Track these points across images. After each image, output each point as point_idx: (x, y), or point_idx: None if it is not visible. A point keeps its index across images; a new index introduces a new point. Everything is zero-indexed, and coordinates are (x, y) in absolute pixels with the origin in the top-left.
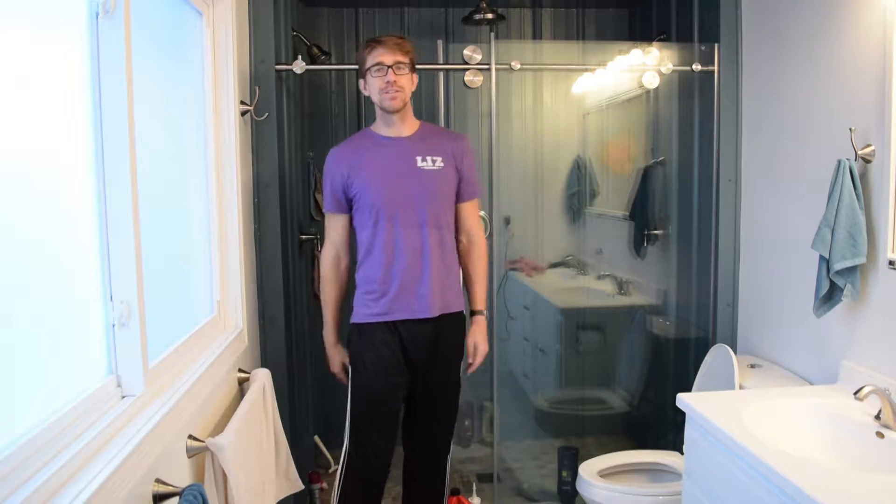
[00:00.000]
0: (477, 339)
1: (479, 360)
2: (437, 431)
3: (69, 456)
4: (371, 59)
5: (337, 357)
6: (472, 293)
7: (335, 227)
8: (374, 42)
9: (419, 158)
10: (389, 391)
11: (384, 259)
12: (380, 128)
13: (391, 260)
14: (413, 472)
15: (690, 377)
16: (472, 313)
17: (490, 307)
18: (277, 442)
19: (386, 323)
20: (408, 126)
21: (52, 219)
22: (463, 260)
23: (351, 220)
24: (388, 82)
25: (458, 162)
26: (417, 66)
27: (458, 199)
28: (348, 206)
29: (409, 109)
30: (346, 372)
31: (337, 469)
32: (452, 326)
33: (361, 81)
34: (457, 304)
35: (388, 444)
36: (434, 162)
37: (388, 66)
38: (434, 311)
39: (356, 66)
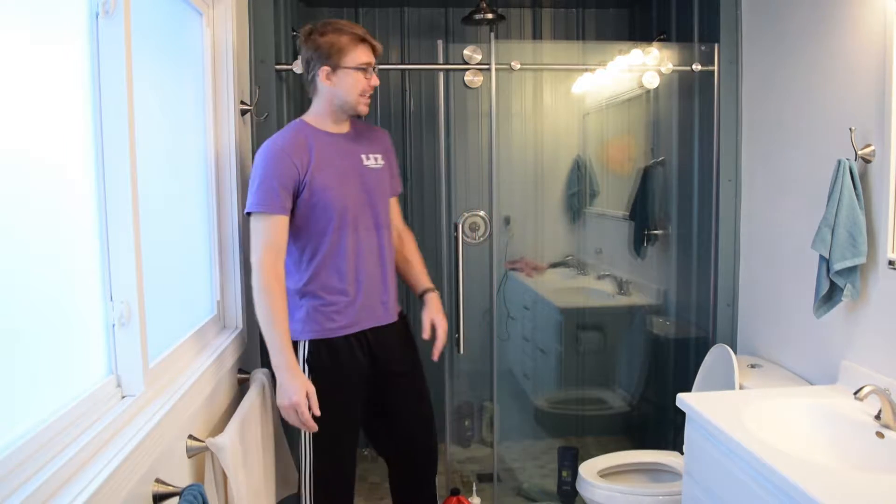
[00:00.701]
0: (434, 315)
1: (441, 335)
2: (424, 422)
3: (69, 456)
4: (359, 57)
5: (300, 384)
6: (415, 276)
7: (279, 229)
8: (359, 37)
9: (363, 157)
10: (357, 407)
11: (349, 265)
12: (324, 123)
13: (356, 266)
14: (404, 476)
15: (690, 377)
16: (424, 293)
17: (490, 307)
18: (277, 442)
19: (354, 334)
20: (347, 122)
21: (52, 219)
22: (398, 255)
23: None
24: (373, 86)
25: (389, 157)
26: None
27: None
28: (292, 206)
29: None
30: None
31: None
32: (404, 325)
33: (325, 70)
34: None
35: (355, 449)
36: (377, 160)
37: (372, 68)
38: (395, 316)
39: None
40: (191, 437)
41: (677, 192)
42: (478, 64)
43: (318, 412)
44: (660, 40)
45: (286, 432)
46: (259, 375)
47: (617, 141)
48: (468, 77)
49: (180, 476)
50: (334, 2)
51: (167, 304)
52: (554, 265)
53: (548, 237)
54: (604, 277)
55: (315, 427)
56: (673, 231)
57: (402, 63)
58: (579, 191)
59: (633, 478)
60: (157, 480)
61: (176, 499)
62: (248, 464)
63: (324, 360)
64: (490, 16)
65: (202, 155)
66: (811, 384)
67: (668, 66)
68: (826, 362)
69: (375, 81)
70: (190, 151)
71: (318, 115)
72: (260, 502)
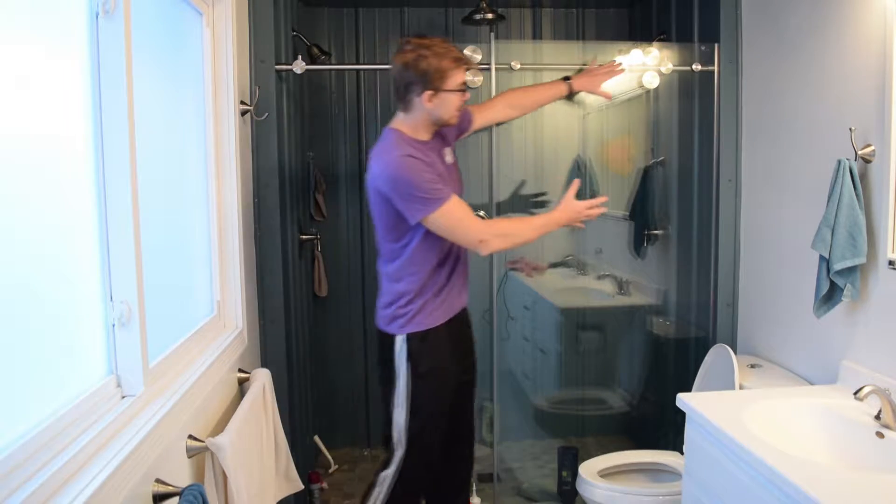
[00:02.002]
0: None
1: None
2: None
3: (69, 456)
4: (458, 78)
5: (575, 204)
6: (539, 90)
7: (460, 204)
8: (462, 61)
9: (446, 156)
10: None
11: (454, 262)
12: (419, 133)
13: (456, 262)
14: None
15: (690, 377)
16: (564, 80)
17: (490, 307)
18: (277, 442)
19: (448, 320)
20: None
21: (53, 219)
22: (511, 101)
23: (400, 232)
24: (465, 102)
25: (453, 132)
26: None
27: (465, 127)
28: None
29: None
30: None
31: (385, 476)
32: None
33: (428, 94)
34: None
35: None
36: (450, 154)
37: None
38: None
39: (356, 67)
40: (191, 437)
41: (677, 192)
42: (478, 64)
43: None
44: (660, 40)
45: (286, 432)
46: (259, 375)
47: (617, 141)
48: (468, 77)
49: (180, 476)
50: (334, 2)
51: (167, 304)
52: (554, 265)
53: (548, 237)
54: (604, 277)
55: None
56: (673, 231)
57: None
58: (579, 191)
59: (633, 478)
60: (157, 480)
61: (176, 499)
62: (248, 464)
63: (425, 352)
64: (490, 16)
65: (202, 155)
66: (811, 384)
67: (668, 66)
68: (826, 362)
69: (467, 95)
70: (190, 151)
71: (413, 127)
72: (260, 502)
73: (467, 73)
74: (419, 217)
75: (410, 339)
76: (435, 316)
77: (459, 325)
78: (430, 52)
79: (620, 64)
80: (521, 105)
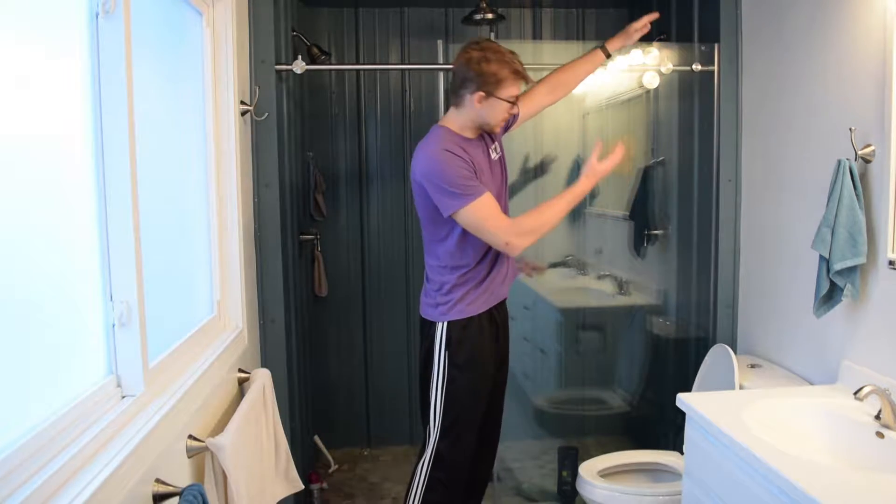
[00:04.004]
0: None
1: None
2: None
3: (69, 456)
4: (512, 90)
5: (596, 169)
6: (576, 64)
7: (492, 202)
8: (521, 75)
9: (492, 152)
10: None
11: (495, 256)
12: (465, 131)
13: (497, 255)
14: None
15: (690, 377)
16: (597, 49)
17: None
18: (277, 442)
19: (488, 310)
20: None
21: (53, 219)
22: (557, 79)
23: (439, 225)
24: (511, 114)
25: (503, 127)
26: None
27: (513, 122)
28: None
29: None
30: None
31: (421, 466)
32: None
33: (480, 95)
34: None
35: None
36: (496, 150)
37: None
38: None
39: (356, 67)
40: (191, 437)
41: (677, 192)
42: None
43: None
44: (660, 40)
45: (286, 432)
46: (259, 375)
47: (617, 141)
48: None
49: (180, 476)
50: (334, 2)
51: (167, 304)
52: (554, 265)
53: (548, 237)
54: (604, 277)
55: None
56: (673, 231)
57: (402, 63)
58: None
59: (633, 478)
60: (157, 480)
61: (176, 499)
62: (248, 464)
63: (464, 342)
64: (490, 16)
65: (202, 155)
66: (811, 384)
67: (668, 66)
68: (826, 362)
69: (517, 111)
70: (190, 151)
71: (461, 125)
72: (260, 502)
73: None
74: (450, 211)
75: (451, 326)
76: (476, 305)
77: (500, 316)
78: (494, 56)
79: (657, 14)
80: (564, 84)
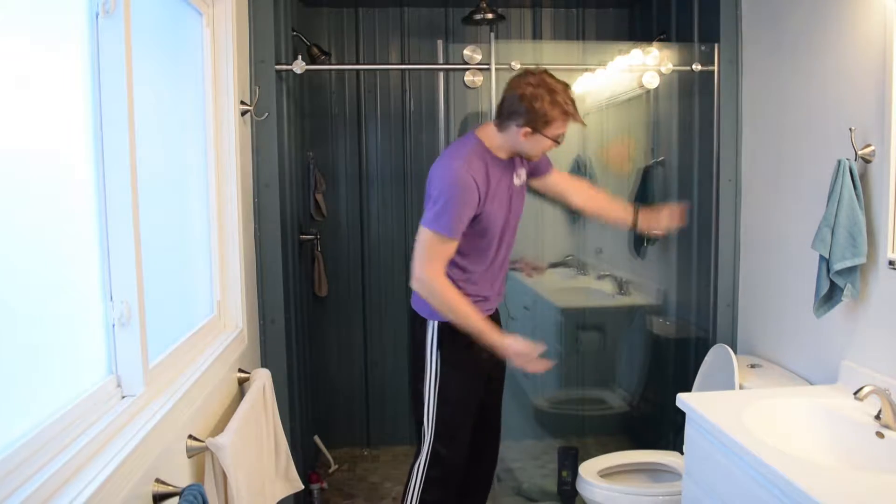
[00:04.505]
0: (656, 214)
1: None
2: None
3: (69, 456)
4: (559, 130)
5: (506, 342)
6: (618, 213)
7: (450, 250)
8: (570, 116)
9: (515, 176)
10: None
11: (491, 277)
12: (499, 152)
13: (494, 277)
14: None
15: (690, 377)
16: (635, 213)
17: None
18: (277, 442)
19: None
20: None
21: (53, 219)
22: (589, 205)
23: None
24: (550, 150)
25: (533, 168)
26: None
27: (541, 174)
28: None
29: None
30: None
31: (417, 466)
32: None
33: (526, 130)
34: None
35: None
36: (520, 176)
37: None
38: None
39: (356, 67)
40: (191, 437)
41: (677, 193)
42: (478, 64)
43: (540, 347)
44: (660, 40)
45: (286, 432)
46: (259, 375)
47: (617, 141)
48: (468, 77)
49: (180, 476)
50: (334, 2)
51: (167, 304)
52: (554, 265)
53: (548, 237)
54: (604, 277)
55: (545, 366)
56: (673, 231)
57: (402, 63)
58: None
59: (633, 478)
60: (157, 480)
61: (176, 499)
62: (248, 464)
63: (452, 337)
64: (490, 16)
65: (202, 155)
66: (811, 384)
67: (668, 66)
68: (826, 362)
69: (559, 145)
70: (190, 151)
71: (498, 145)
72: (260, 502)
73: (467, 73)
74: (423, 220)
75: (442, 326)
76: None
77: (492, 320)
78: (549, 97)
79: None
80: (592, 209)
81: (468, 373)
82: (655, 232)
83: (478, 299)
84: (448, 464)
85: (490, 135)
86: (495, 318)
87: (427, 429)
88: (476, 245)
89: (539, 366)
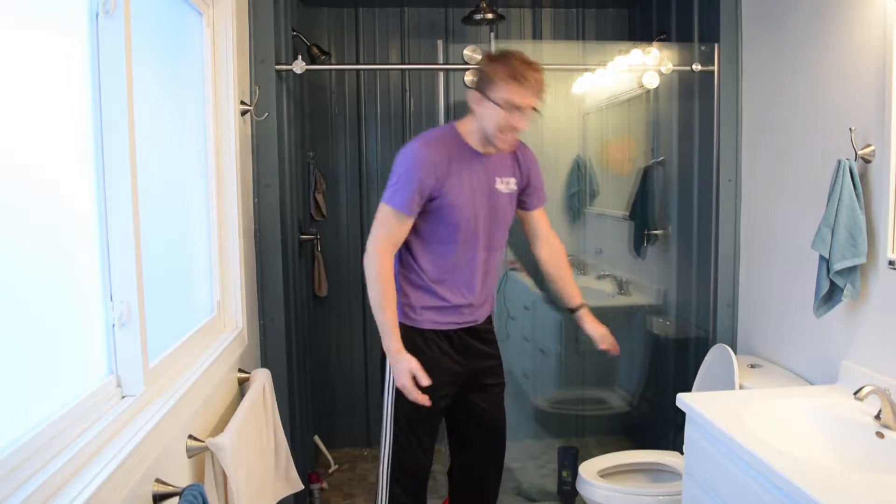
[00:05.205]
0: (596, 328)
1: (613, 343)
2: (495, 426)
3: (69, 456)
4: (515, 98)
5: (402, 366)
6: (569, 291)
7: (403, 228)
8: (523, 78)
9: (497, 180)
10: (442, 394)
11: (453, 277)
12: (472, 139)
13: (460, 280)
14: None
15: (690, 377)
16: (577, 309)
17: None
18: (277, 442)
19: (444, 330)
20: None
21: (53, 219)
22: (549, 267)
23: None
24: (514, 127)
25: (526, 174)
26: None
27: (526, 206)
28: (419, 210)
29: None
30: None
31: (381, 470)
32: (488, 328)
33: (477, 95)
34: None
35: (433, 433)
36: (508, 184)
37: (528, 111)
38: (481, 318)
39: (356, 67)
40: (191, 437)
41: (677, 192)
42: (478, 64)
43: (425, 383)
44: (660, 40)
45: (286, 432)
46: (259, 375)
47: (617, 141)
48: (468, 77)
49: (180, 476)
50: (334, 2)
51: (167, 304)
52: None
53: None
54: (604, 277)
55: (426, 402)
56: (673, 231)
57: (402, 63)
58: (579, 191)
59: (633, 478)
60: (157, 480)
61: (176, 499)
62: (248, 464)
63: (412, 342)
64: (490, 16)
65: (202, 155)
66: (811, 384)
67: (668, 66)
68: (826, 362)
69: (521, 126)
70: (190, 151)
71: (468, 129)
72: (260, 502)
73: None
74: (383, 197)
75: (401, 327)
76: (426, 318)
77: (463, 339)
78: (503, 60)
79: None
80: (550, 272)
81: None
82: (589, 333)
83: (444, 305)
84: (410, 470)
85: (466, 120)
86: (481, 336)
87: (385, 431)
88: (437, 232)
89: (418, 397)
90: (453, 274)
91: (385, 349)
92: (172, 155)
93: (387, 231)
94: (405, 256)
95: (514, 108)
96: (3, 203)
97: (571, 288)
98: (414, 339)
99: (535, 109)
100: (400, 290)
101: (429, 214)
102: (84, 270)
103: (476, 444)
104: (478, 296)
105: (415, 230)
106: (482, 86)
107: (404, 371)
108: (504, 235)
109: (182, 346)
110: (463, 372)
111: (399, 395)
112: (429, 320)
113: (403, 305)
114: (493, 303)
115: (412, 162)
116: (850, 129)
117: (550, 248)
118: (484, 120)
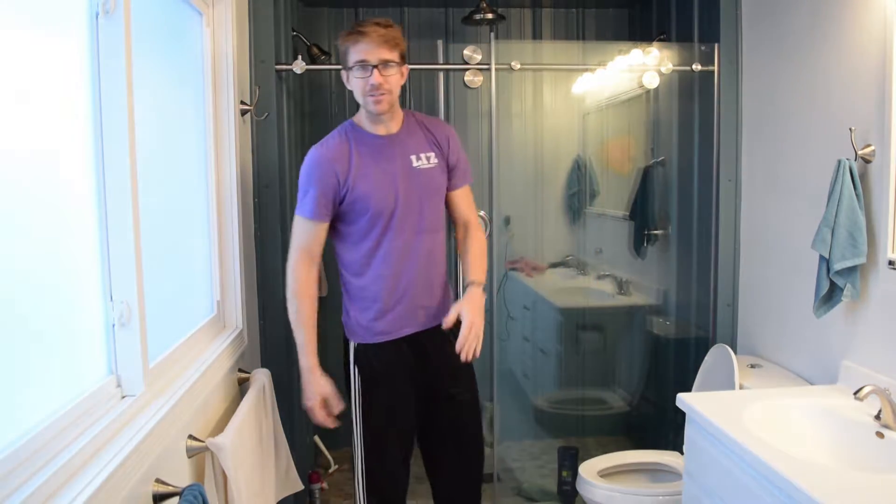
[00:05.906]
0: (461, 306)
1: (464, 330)
2: (469, 430)
3: (69, 456)
4: (353, 55)
5: (314, 388)
6: (465, 267)
7: (317, 235)
8: (356, 34)
9: (413, 158)
10: (405, 408)
11: (389, 272)
12: (367, 125)
13: (396, 272)
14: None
15: (690, 377)
16: (467, 285)
17: (490, 307)
18: (277, 442)
19: (394, 340)
20: (396, 121)
21: (53, 219)
22: (460, 247)
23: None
24: (372, 85)
25: (446, 150)
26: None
27: (453, 185)
28: (334, 213)
29: (397, 103)
30: (326, 408)
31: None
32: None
33: (344, 74)
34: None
35: (404, 446)
36: (428, 159)
37: (373, 66)
38: (440, 320)
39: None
40: (191, 437)
41: (677, 192)
42: (478, 64)
43: (336, 410)
44: (660, 40)
45: (286, 432)
46: (259, 375)
47: (617, 141)
48: (468, 77)
49: (180, 476)
50: (334, 2)
51: (167, 304)
52: (554, 265)
53: (548, 237)
54: (604, 277)
55: (332, 425)
56: (673, 231)
57: None
58: (579, 191)
59: (633, 478)
60: (157, 480)
61: (176, 499)
62: (248, 464)
63: (368, 361)
64: (490, 16)
65: (202, 155)
66: (811, 384)
67: (668, 66)
68: (826, 362)
69: (376, 80)
70: (190, 151)
71: (360, 115)
72: (260, 502)
73: (467, 73)
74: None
75: (358, 347)
76: (373, 330)
77: (418, 346)
78: (342, 33)
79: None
80: (460, 249)
81: (390, 389)
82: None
83: (389, 309)
84: (382, 484)
85: (358, 111)
86: (446, 338)
87: (357, 444)
88: (359, 226)
89: (325, 421)
90: (390, 267)
91: (300, 367)
92: (172, 155)
93: (300, 242)
94: (344, 276)
95: (361, 64)
96: (3, 203)
97: (472, 266)
98: (369, 357)
99: (389, 62)
100: (346, 312)
101: (348, 214)
102: (84, 270)
103: (448, 471)
104: (421, 289)
105: (340, 237)
106: (343, 63)
107: (313, 394)
108: (438, 214)
109: (182, 346)
110: (424, 383)
111: (366, 409)
112: (381, 332)
113: (355, 325)
114: (451, 299)
115: (309, 167)
116: (850, 129)
117: (466, 231)
118: (355, 93)
